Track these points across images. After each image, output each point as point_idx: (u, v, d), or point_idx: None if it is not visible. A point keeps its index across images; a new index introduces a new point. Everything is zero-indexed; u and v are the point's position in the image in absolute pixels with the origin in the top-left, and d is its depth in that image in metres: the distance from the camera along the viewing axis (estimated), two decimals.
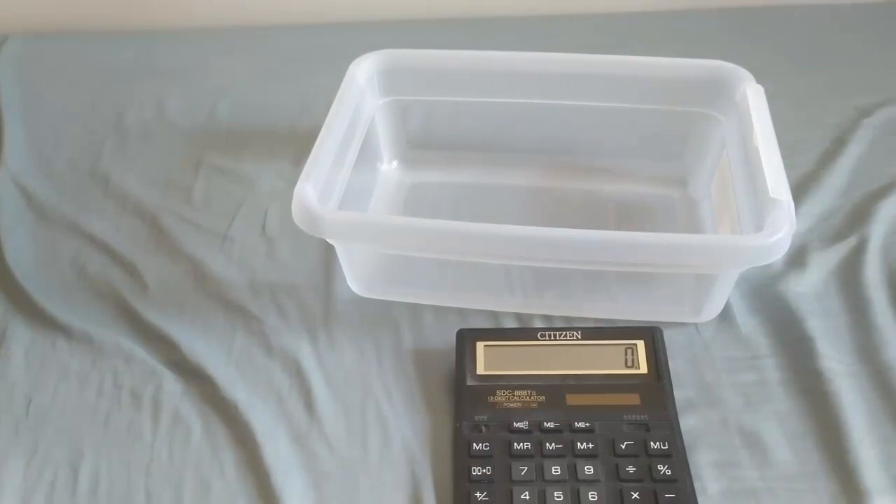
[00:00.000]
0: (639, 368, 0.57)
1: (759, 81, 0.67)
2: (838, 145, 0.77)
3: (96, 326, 0.63)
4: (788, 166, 0.59)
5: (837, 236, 0.68)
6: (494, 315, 0.63)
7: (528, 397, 0.56)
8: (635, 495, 0.50)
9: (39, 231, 0.72)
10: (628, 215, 0.72)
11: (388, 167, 0.77)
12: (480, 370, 0.57)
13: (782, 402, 0.57)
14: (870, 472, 0.52)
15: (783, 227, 0.55)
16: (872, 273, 0.64)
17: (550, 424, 0.54)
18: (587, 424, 0.54)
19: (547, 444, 0.53)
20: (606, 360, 0.57)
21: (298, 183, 0.59)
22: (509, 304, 0.64)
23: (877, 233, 0.67)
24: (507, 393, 0.56)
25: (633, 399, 0.55)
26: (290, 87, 0.88)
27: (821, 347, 0.59)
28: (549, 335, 0.59)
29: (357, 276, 0.65)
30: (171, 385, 0.59)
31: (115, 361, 0.61)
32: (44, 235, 0.72)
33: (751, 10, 1.00)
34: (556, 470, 0.51)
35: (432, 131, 0.77)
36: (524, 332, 0.60)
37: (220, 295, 0.66)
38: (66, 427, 0.57)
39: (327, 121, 0.65)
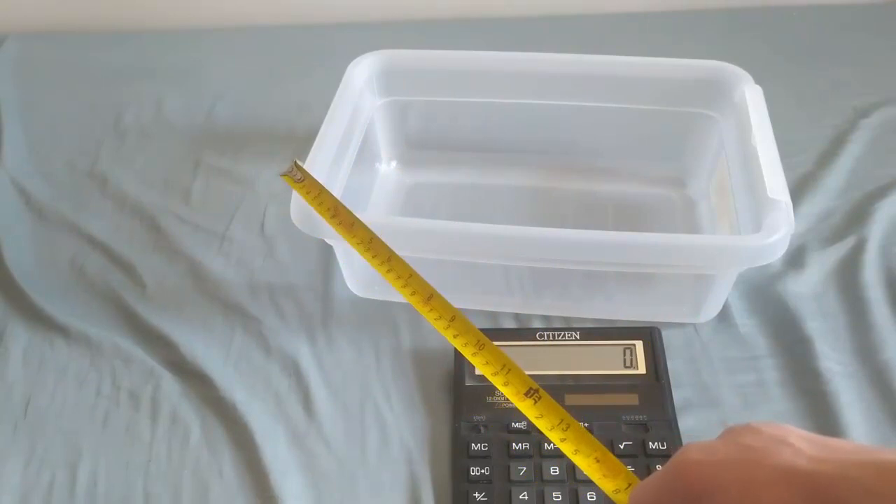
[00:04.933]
0: (637, 369, 0.57)
1: (757, 82, 0.67)
2: (837, 146, 0.77)
3: (95, 327, 0.63)
4: (787, 167, 0.60)
5: (836, 237, 0.68)
6: (493, 315, 0.63)
7: None
8: None
9: (38, 231, 0.72)
10: (627, 216, 0.72)
11: (387, 167, 0.77)
12: (479, 370, 0.57)
13: (781, 403, 0.57)
14: None
15: (781, 227, 0.55)
16: (871, 273, 0.64)
17: None
18: (586, 425, 0.53)
19: (545, 445, 0.53)
20: (605, 361, 0.57)
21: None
22: (508, 305, 0.64)
23: (875, 233, 0.67)
24: None
25: (632, 399, 0.55)
26: (289, 87, 0.88)
27: (819, 348, 0.59)
28: (548, 335, 0.59)
29: (356, 276, 0.65)
30: (170, 385, 0.59)
31: (113, 361, 0.61)
32: (42, 235, 0.72)
33: (750, 10, 1.00)
34: (554, 470, 0.51)
35: (431, 131, 0.77)
36: (523, 333, 0.60)
37: (219, 295, 0.66)
38: (64, 427, 0.57)
39: (326, 121, 0.65)
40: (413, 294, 0.42)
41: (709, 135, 0.71)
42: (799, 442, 0.33)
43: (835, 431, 0.54)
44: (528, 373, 0.56)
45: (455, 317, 0.40)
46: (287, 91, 0.87)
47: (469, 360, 0.41)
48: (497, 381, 0.39)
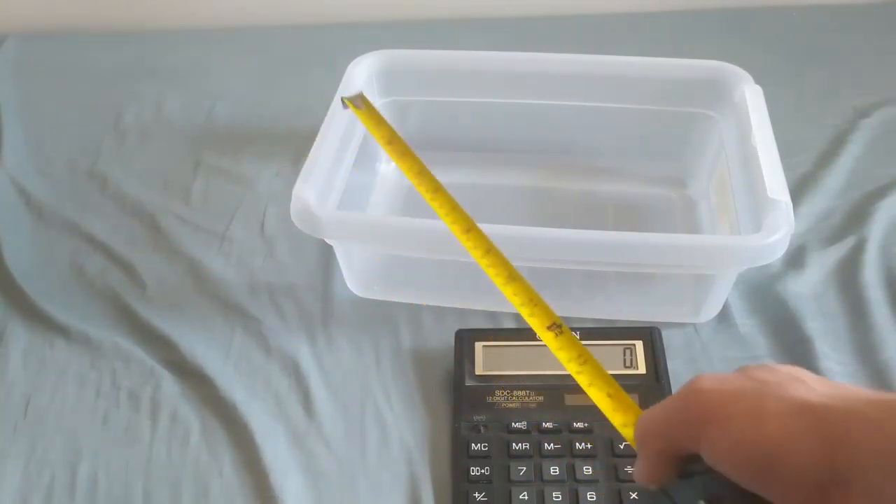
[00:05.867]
0: (637, 369, 0.57)
1: (757, 82, 0.67)
2: (837, 146, 0.77)
3: (95, 327, 0.63)
4: (787, 167, 0.60)
5: (836, 237, 0.68)
6: (493, 315, 0.63)
7: (526, 397, 0.56)
8: (634, 496, 0.50)
9: (38, 231, 0.72)
10: (627, 215, 0.72)
11: (387, 167, 0.77)
12: (479, 370, 0.57)
13: None
14: None
15: (781, 227, 0.55)
16: (871, 273, 0.64)
17: (549, 425, 0.54)
18: (586, 425, 0.54)
19: (545, 445, 0.53)
20: (605, 361, 0.56)
21: (297, 183, 0.59)
22: (508, 305, 0.63)
23: (875, 233, 0.67)
24: (505, 393, 0.56)
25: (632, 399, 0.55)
26: (289, 87, 0.88)
27: (819, 348, 0.59)
28: None
29: (356, 276, 0.65)
30: (170, 385, 0.59)
31: (113, 362, 0.61)
32: (42, 236, 0.72)
33: (750, 10, 1.00)
34: (554, 470, 0.51)
35: (431, 131, 0.77)
36: (523, 333, 0.60)
37: (219, 295, 0.66)
38: (64, 427, 0.57)
39: (326, 121, 0.65)
40: (454, 223, 0.46)
41: (709, 135, 0.71)
42: (812, 381, 0.33)
43: None
44: (528, 373, 0.57)
45: (490, 249, 0.43)
46: (287, 91, 0.87)
47: (500, 289, 0.43)
48: (524, 312, 0.41)
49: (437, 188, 0.48)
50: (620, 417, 0.38)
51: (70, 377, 0.60)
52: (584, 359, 0.39)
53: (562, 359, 0.39)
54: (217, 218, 0.73)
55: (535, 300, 0.41)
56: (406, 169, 0.50)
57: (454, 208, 0.46)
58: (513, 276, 0.42)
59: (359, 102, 0.58)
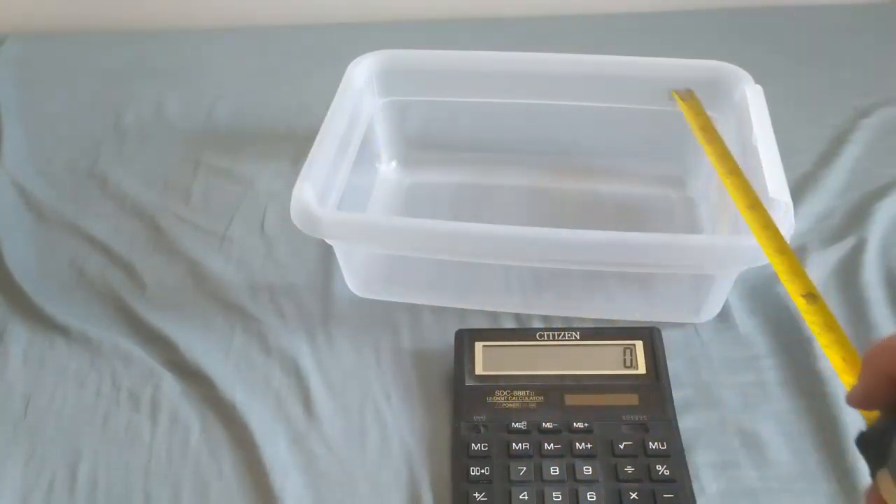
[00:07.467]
0: (637, 369, 0.57)
1: (757, 82, 0.67)
2: (837, 146, 0.77)
3: (95, 327, 0.63)
4: (787, 167, 0.60)
5: (836, 237, 0.68)
6: (493, 315, 0.63)
7: (526, 397, 0.56)
8: (634, 495, 0.50)
9: (38, 231, 0.72)
10: (627, 215, 0.72)
11: (387, 167, 0.77)
12: (479, 370, 0.57)
13: (781, 403, 0.57)
14: (867, 472, 0.52)
15: (781, 227, 0.55)
16: (871, 273, 0.64)
17: (549, 425, 0.54)
18: (586, 425, 0.54)
19: (545, 445, 0.53)
20: (605, 361, 0.57)
21: (297, 183, 0.59)
22: (508, 305, 0.64)
23: (875, 233, 0.67)
24: (505, 393, 0.56)
25: (632, 399, 0.55)
26: (289, 87, 0.88)
27: (819, 348, 0.59)
28: (548, 335, 0.59)
29: (356, 276, 0.65)
30: (170, 385, 0.59)
31: (113, 362, 0.61)
32: (42, 236, 0.72)
33: (751, 10, 1.00)
34: (554, 470, 0.51)
35: (431, 131, 0.77)
36: (523, 333, 0.60)
37: (219, 295, 0.66)
38: (64, 427, 0.57)
39: (326, 121, 0.65)
40: (739, 199, 0.53)
41: None
42: None
43: (835, 431, 0.54)
44: (528, 373, 0.57)
45: (768, 225, 0.51)
46: (287, 91, 0.87)
47: (769, 258, 0.49)
48: (785, 279, 0.47)
49: (732, 170, 0.56)
50: (849, 378, 0.40)
51: (70, 377, 0.60)
52: (830, 326, 0.43)
53: (810, 322, 0.44)
54: (217, 218, 0.73)
55: (796, 270, 0.47)
56: (710, 153, 0.59)
57: (747, 192, 0.54)
58: (782, 249, 0.49)
59: (686, 96, 0.65)
